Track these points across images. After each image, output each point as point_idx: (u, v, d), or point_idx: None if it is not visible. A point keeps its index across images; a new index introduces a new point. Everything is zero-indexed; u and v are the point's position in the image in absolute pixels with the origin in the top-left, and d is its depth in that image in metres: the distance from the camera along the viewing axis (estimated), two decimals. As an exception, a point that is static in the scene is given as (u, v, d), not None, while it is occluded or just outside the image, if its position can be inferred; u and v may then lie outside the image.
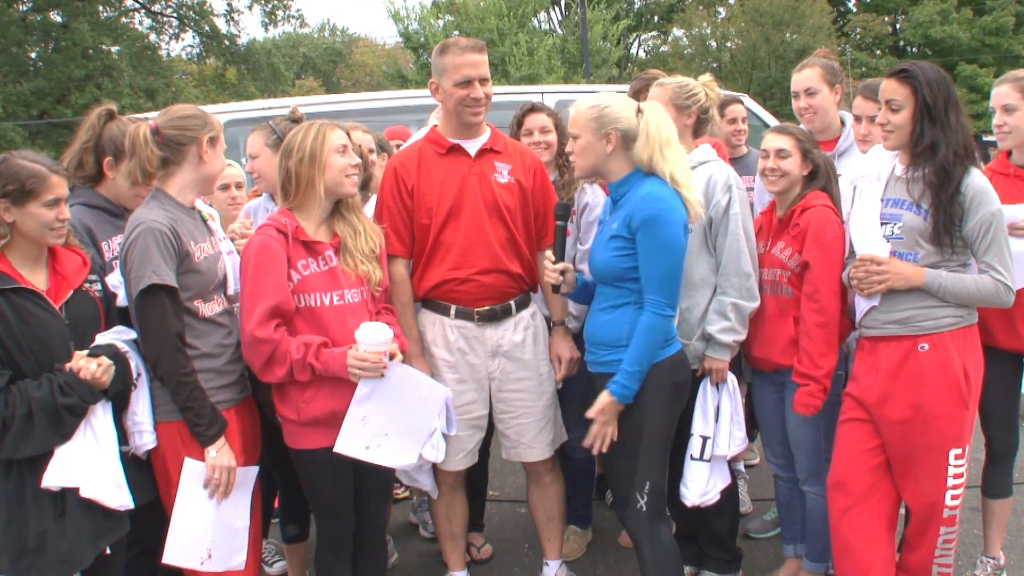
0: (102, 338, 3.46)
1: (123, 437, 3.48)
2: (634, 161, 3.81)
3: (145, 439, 3.53)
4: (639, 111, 3.83)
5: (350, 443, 3.70)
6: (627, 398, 3.74)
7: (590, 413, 3.81)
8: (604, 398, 3.77)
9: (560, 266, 4.01)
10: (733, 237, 4.19)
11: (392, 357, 3.73)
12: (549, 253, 4.14)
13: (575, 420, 4.60)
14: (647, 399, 3.77)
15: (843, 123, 4.95)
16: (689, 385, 4.02)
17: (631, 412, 3.79)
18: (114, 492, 3.32)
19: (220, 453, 3.56)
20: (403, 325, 4.19)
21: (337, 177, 3.80)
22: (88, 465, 3.28)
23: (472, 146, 4.29)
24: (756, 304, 4.24)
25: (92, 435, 3.32)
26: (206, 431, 3.53)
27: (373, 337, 3.66)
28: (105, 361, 3.31)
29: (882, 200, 3.87)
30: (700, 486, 4.22)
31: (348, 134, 3.93)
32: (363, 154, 4.41)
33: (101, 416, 3.36)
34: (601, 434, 3.81)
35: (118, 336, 3.50)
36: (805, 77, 4.93)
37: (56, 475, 3.22)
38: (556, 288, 4.06)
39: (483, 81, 4.19)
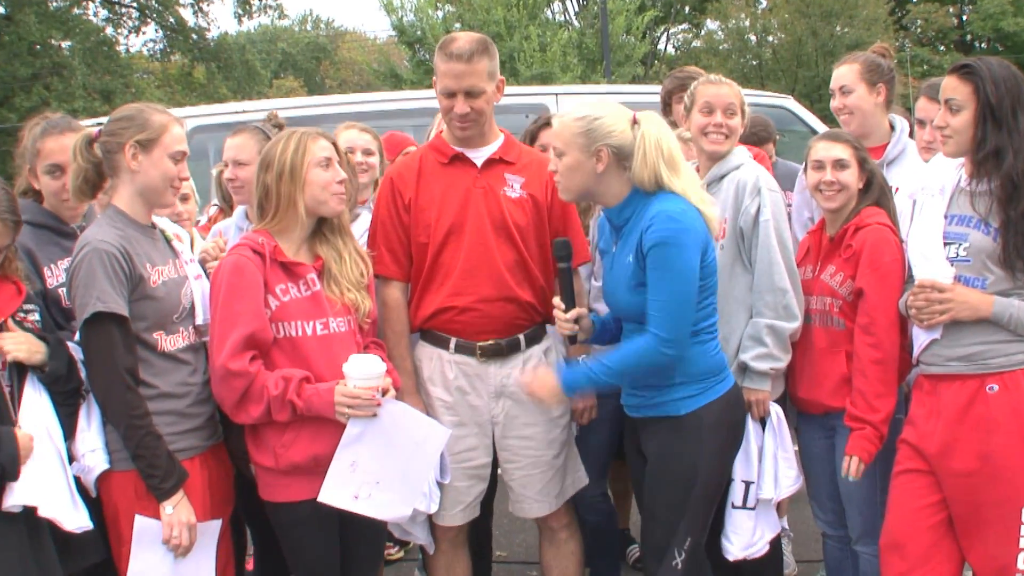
0: None
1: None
2: (632, 181, 3.80)
3: (94, 460, 3.53)
4: (635, 123, 3.80)
5: (337, 492, 3.69)
6: (569, 386, 3.85)
7: (523, 378, 4.01)
8: (549, 378, 3.90)
9: (573, 314, 4.01)
10: (765, 248, 4.22)
11: (385, 393, 3.74)
12: (557, 300, 4.09)
13: (596, 472, 4.62)
14: (702, 444, 3.80)
15: (893, 127, 4.99)
16: (744, 424, 4.05)
17: (683, 458, 3.80)
18: (71, 512, 3.37)
19: (177, 509, 3.55)
20: (395, 357, 4.21)
21: (319, 195, 3.82)
22: (44, 481, 3.33)
23: (478, 156, 4.32)
24: (796, 324, 4.26)
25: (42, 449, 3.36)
26: (161, 483, 3.52)
27: (365, 371, 3.67)
28: (21, 336, 3.38)
29: (945, 217, 3.85)
30: (745, 537, 4.23)
31: (335, 144, 3.95)
32: (351, 164, 4.44)
33: (47, 429, 3.40)
34: (528, 393, 3.97)
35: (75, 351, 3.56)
36: (841, 74, 5.00)
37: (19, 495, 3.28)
38: (573, 339, 4.08)
39: (470, 94, 4.18)
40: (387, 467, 3.76)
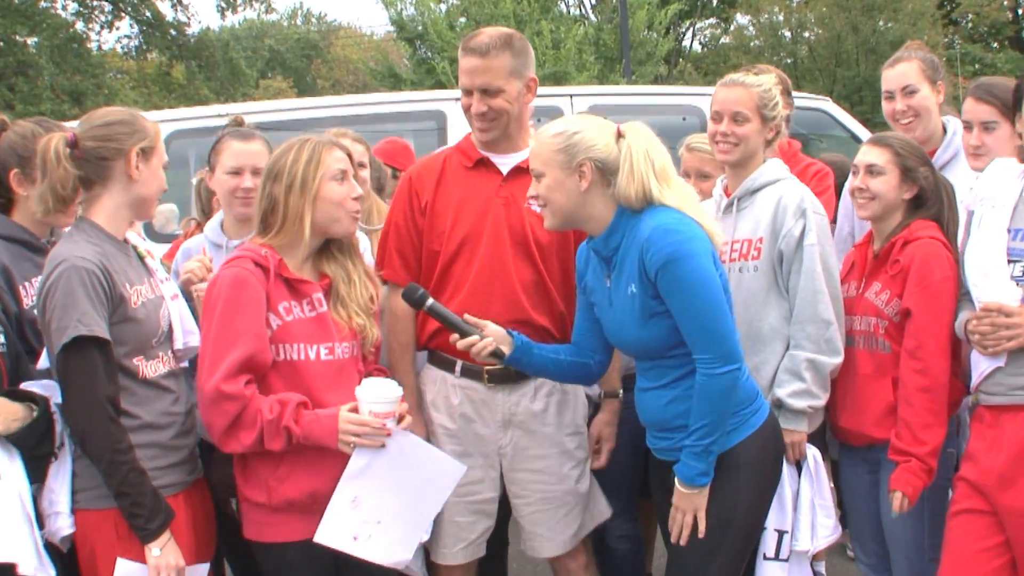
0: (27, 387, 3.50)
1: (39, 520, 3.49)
2: (617, 199, 3.80)
3: (60, 523, 3.52)
4: (620, 136, 3.79)
5: (335, 532, 3.66)
6: (699, 480, 3.73)
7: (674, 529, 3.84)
8: (676, 485, 3.78)
9: (473, 338, 3.93)
10: (809, 275, 4.20)
11: (401, 420, 3.73)
12: (454, 337, 3.99)
13: (620, 505, 4.60)
14: (740, 484, 3.79)
15: (945, 130, 4.99)
16: (783, 460, 4.05)
17: (718, 499, 3.78)
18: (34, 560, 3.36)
19: (165, 551, 3.53)
20: (398, 371, 4.24)
21: (332, 212, 3.80)
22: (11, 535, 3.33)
23: (505, 162, 4.32)
24: (838, 360, 4.25)
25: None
26: (147, 523, 3.50)
27: (380, 394, 3.65)
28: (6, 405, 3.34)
29: (1008, 231, 3.86)
30: (776, 592, 4.20)
31: (350, 155, 3.93)
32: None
33: (12, 478, 3.39)
34: (680, 524, 3.82)
35: (43, 390, 3.54)
36: (902, 73, 4.98)
37: None
38: (499, 354, 3.97)
39: (486, 92, 4.21)
40: (391, 505, 3.74)
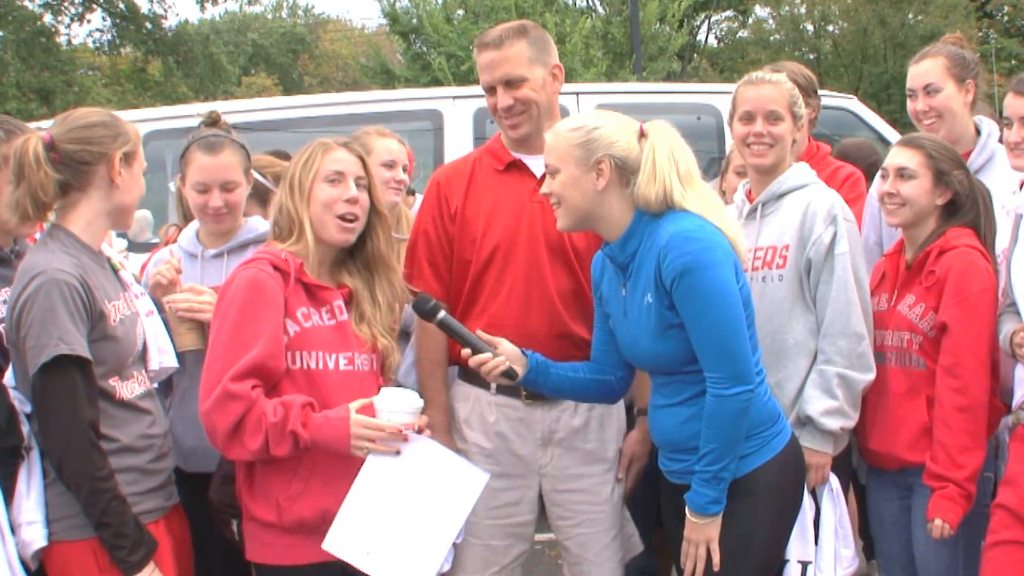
0: None
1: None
2: (636, 201, 3.80)
3: (32, 534, 3.51)
4: (642, 135, 3.80)
5: (346, 542, 3.60)
6: (710, 509, 3.72)
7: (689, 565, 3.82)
8: (687, 515, 3.78)
9: (486, 356, 3.91)
10: (840, 285, 4.20)
11: (421, 432, 3.72)
12: (465, 352, 3.97)
13: (641, 527, 4.59)
14: (759, 511, 3.78)
15: (979, 131, 5.00)
16: (804, 486, 4.04)
17: (736, 526, 3.76)
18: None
19: None
20: (429, 389, 4.25)
21: (319, 214, 3.81)
22: None
23: (538, 164, 4.29)
24: (871, 377, 4.24)
25: None
26: (130, 555, 3.50)
27: (398, 403, 3.63)
28: None
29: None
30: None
31: (363, 159, 3.93)
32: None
33: None
34: (693, 557, 3.80)
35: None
36: (924, 70, 4.99)
37: None
38: (511, 375, 3.95)
39: (509, 84, 4.24)
40: (409, 516, 3.68)
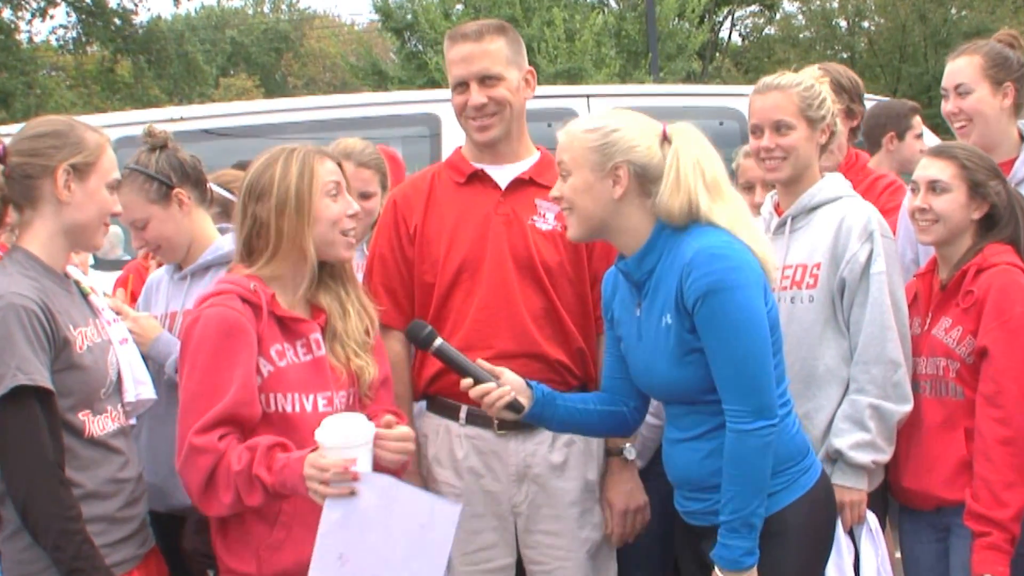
0: None
1: None
2: (656, 212, 3.78)
3: None
4: (666, 139, 3.78)
5: None
6: (745, 562, 3.66)
7: None
8: (716, 573, 3.71)
9: (488, 387, 3.84)
10: (876, 308, 4.19)
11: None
12: (467, 382, 3.88)
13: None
14: (787, 554, 3.75)
15: (1023, 137, 5.02)
16: (835, 527, 4.02)
17: (762, 571, 3.70)
18: None
19: None
20: None
21: (327, 234, 3.77)
22: None
23: (504, 174, 4.34)
24: (908, 408, 4.24)
25: None
26: None
27: (341, 435, 3.48)
28: None
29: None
30: None
31: (340, 164, 3.91)
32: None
33: None
34: None
35: None
36: (957, 68, 5.02)
37: None
38: (516, 407, 3.88)
39: (486, 81, 4.24)
40: (386, 560, 3.62)
